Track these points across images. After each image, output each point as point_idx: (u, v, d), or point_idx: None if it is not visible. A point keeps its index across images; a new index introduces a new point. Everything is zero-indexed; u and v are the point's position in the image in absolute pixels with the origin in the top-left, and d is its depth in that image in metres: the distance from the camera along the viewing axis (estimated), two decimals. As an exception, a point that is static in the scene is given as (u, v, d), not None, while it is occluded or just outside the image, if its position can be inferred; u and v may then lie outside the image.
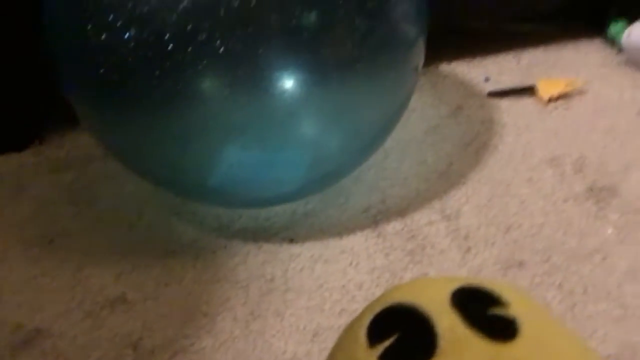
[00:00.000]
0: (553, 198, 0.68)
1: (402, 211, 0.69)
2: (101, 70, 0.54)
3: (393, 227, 0.67)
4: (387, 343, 0.35)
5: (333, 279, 0.62)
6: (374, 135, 0.67)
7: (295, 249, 0.66)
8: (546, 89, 0.84)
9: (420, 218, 0.68)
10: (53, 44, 0.58)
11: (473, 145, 0.78)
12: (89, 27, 0.53)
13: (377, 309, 0.38)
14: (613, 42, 0.91)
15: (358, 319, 0.39)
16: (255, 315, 0.60)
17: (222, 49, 0.51)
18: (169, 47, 0.51)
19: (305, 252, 0.66)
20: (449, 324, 0.35)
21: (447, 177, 0.73)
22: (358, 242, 0.66)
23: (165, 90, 0.53)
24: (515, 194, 0.69)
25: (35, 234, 0.73)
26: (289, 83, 0.54)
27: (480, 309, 0.36)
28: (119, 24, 0.51)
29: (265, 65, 0.52)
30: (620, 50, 0.89)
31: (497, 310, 0.36)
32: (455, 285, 0.37)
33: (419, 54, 0.65)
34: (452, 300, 0.36)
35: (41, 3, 0.59)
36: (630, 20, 0.88)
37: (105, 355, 0.57)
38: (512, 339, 0.34)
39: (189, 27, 0.50)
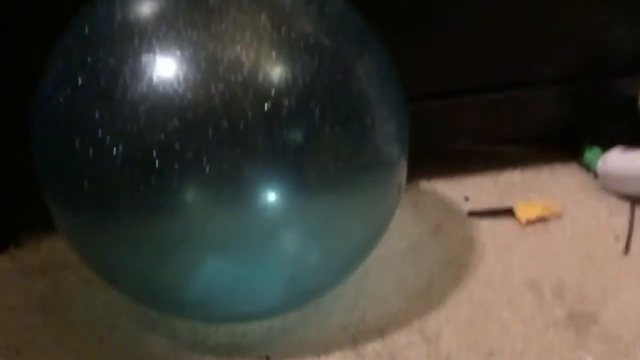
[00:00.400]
0: (533, 323, 0.68)
1: (381, 330, 0.68)
2: (85, 183, 0.54)
3: (372, 347, 0.66)
4: None
5: (309, 404, 0.60)
6: (355, 254, 0.67)
7: (271, 368, 0.65)
8: (524, 212, 0.85)
9: (400, 338, 0.67)
10: (39, 154, 0.59)
11: (453, 265, 0.78)
12: (77, 141, 0.54)
13: None
14: (588, 168, 0.94)
15: None
16: None
17: (208, 168, 0.51)
18: (156, 164, 0.52)
19: (282, 372, 0.64)
20: None
21: (427, 296, 0.73)
22: (336, 363, 0.65)
23: (149, 204, 0.53)
24: (495, 318, 0.69)
25: (2, 344, 0.70)
26: (271, 202, 0.54)
27: None
28: (107, 140, 0.52)
29: (249, 184, 0.53)
30: (595, 175, 0.92)
31: None
32: None
33: (402, 173, 0.67)
34: None
35: (29, 113, 0.60)
36: (604, 148, 0.92)
37: None
38: None
39: (176, 146, 0.51)
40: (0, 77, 0.78)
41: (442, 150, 1.00)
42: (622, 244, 0.79)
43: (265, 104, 0.52)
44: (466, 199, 0.92)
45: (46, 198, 0.61)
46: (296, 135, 0.53)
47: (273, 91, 0.52)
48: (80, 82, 0.54)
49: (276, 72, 0.53)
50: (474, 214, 0.88)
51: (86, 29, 0.56)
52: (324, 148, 0.55)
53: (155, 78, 0.52)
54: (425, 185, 0.96)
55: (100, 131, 0.52)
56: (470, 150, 1.02)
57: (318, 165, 0.55)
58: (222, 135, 0.51)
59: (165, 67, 0.52)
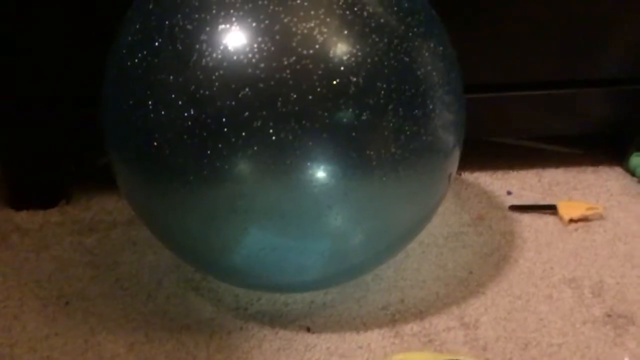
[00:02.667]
0: (572, 319, 0.69)
1: (420, 313, 0.70)
2: (155, 143, 0.56)
3: (411, 328, 0.68)
4: None
5: (348, 375, 0.62)
6: (400, 238, 0.68)
7: (312, 339, 0.66)
8: (567, 210, 0.86)
9: (439, 323, 0.68)
10: (110, 112, 0.61)
11: (493, 256, 0.79)
12: (150, 102, 0.55)
13: None
14: (633, 173, 0.94)
15: None
16: (267, 403, 0.59)
17: (274, 137, 0.53)
18: (224, 130, 0.53)
19: (322, 343, 0.66)
20: None
21: (467, 284, 0.74)
22: (375, 339, 0.66)
23: (213, 169, 0.55)
24: (534, 310, 0.70)
25: (52, 294, 0.73)
26: (330, 177, 0.56)
27: None
28: (179, 102, 0.54)
29: (312, 157, 0.54)
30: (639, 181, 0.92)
31: None
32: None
33: (454, 163, 0.67)
34: None
35: (104, 71, 0.62)
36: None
37: None
38: None
39: (246, 114, 0.53)
40: (74, 34, 0.80)
41: (487, 144, 1.00)
42: (664, 250, 0.79)
43: (334, 80, 0.53)
44: (508, 193, 0.92)
45: (112, 156, 0.63)
46: (361, 112, 0.54)
47: (342, 68, 0.53)
48: (157, 44, 0.55)
49: (347, 49, 0.54)
50: (516, 208, 0.88)
51: (165, -5, 0.57)
52: (387, 127, 0.56)
53: (230, 46, 0.53)
54: (469, 176, 0.96)
55: (173, 94, 0.54)
56: (515, 146, 1.02)
57: (379, 144, 0.56)
58: (290, 106, 0.53)
59: (240, 37, 0.53)
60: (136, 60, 0.57)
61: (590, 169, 0.97)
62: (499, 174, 0.97)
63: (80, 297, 0.72)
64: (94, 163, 0.96)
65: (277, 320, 0.69)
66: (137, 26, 0.58)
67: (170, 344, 0.66)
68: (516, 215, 0.87)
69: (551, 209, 0.87)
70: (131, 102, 0.57)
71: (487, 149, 1.00)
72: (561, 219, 0.85)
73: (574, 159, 0.99)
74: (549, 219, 0.86)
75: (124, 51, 0.58)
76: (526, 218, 0.86)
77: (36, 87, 0.84)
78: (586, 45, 0.89)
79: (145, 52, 0.56)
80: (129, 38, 0.59)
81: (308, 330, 0.67)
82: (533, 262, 0.78)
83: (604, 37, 0.89)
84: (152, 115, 0.55)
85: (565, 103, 0.94)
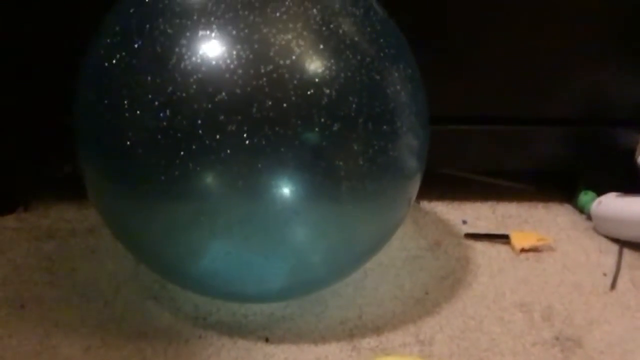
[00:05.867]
0: (522, 340, 0.71)
1: (377, 329, 0.71)
2: (128, 142, 0.57)
3: (368, 342, 0.69)
4: None
5: (305, 385, 0.62)
6: (361, 254, 0.70)
7: (270, 349, 0.67)
8: (519, 240, 0.89)
9: (395, 338, 0.70)
10: (83, 112, 0.62)
11: (449, 279, 0.81)
12: (126, 102, 0.56)
13: None
14: (582, 210, 0.98)
15: None
16: (224, 409, 0.59)
17: (247, 142, 0.55)
18: (199, 132, 0.54)
19: (280, 353, 0.66)
20: None
21: (423, 304, 0.76)
22: (333, 352, 0.67)
23: (185, 170, 0.56)
24: (486, 331, 0.72)
25: (7, 296, 0.72)
26: (298, 184, 0.57)
27: None
28: (156, 103, 0.55)
29: (283, 163, 0.56)
30: (589, 218, 0.96)
31: None
32: None
33: (415, 188, 0.70)
34: None
35: (79, 73, 0.63)
36: (599, 193, 0.96)
37: None
38: None
39: (221, 117, 0.54)
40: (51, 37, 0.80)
41: (444, 176, 1.04)
42: (609, 280, 0.82)
43: (309, 90, 0.55)
44: (464, 222, 0.95)
45: (82, 156, 0.63)
46: (333, 123, 0.56)
47: (317, 79, 0.56)
48: (136, 46, 0.57)
49: (322, 62, 0.56)
50: (471, 236, 0.91)
51: None
52: (357, 140, 0.58)
53: (209, 52, 0.55)
54: (427, 205, 0.99)
55: (150, 95, 0.55)
56: (472, 180, 1.06)
57: (348, 156, 0.58)
58: (265, 112, 0.54)
59: (220, 43, 0.55)
60: (114, 61, 0.58)
61: (541, 204, 1.02)
62: (455, 204, 1.00)
63: (37, 301, 0.71)
64: (54, 172, 0.95)
65: (236, 330, 0.69)
66: (117, 28, 0.59)
67: (127, 349, 0.65)
68: (471, 242, 0.90)
69: (504, 238, 0.90)
70: (106, 101, 0.58)
71: (444, 181, 1.03)
72: (513, 248, 0.89)
73: (526, 194, 1.03)
74: (501, 247, 0.89)
75: (102, 52, 0.59)
76: (480, 246, 0.89)
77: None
78: (543, 85, 0.94)
79: (124, 53, 0.57)
80: (108, 40, 0.60)
81: (266, 340, 0.68)
82: (486, 286, 0.80)
83: (560, 79, 0.94)
84: (127, 114, 0.56)
85: (519, 139, 0.99)
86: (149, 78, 0.55)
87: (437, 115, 0.92)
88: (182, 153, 0.55)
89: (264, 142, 0.55)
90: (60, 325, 0.68)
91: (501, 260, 0.86)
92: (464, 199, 1.01)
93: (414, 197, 0.71)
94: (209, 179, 0.56)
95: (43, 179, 0.94)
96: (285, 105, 0.55)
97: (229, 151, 0.55)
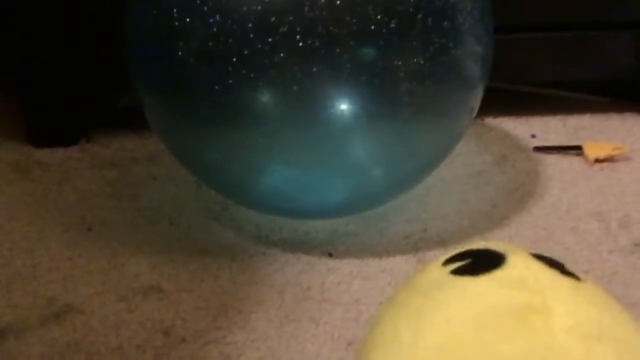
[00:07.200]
0: (598, 249, 0.68)
1: (443, 242, 0.69)
2: (179, 53, 0.55)
3: (434, 254, 0.67)
4: (460, 263, 0.38)
5: (371, 295, 0.61)
6: (420, 166, 0.68)
7: (334, 263, 0.66)
8: (593, 150, 0.84)
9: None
10: (134, 29, 0.60)
11: (517, 193, 0.78)
12: (175, 10, 0.55)
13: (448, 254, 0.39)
14: (660, 118, 0.92)
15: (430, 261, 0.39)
16: (290, 319, 0.59)
17: (300, 44, 0.52)
18: (250, 36, 0.52)
19: (344, 267, 0.65)
20: (522, 258, 0.35)
21: (490, 217, 0.73)
22: (398, 264, 0.66)
23: (239, 78, 0.54)
24: (559, 241, 0.69)
25: (75, 221, 0.73)
26: (356, 87, 0.55)
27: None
28: (204, 9, 0.53)
29: (338, 65, 0.53)
30: (667, 125, 0.90)
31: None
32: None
33: (477, 98, 0.66)
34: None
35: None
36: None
37: (135, 336, 0.57)
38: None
39: (272, 19, 0.52)
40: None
41: (508, 92, 0.99)
42: (692, 188, 0.77)
43: (363, -15, 0.52)
44: (533, 136, 0.91)
45: (137, 81, 0.62)
46: (390, 20, 0.53)
47: (371, -26, 0.52)
48: (182, -48, 0.55)
49: (376, -45, 0.53)
50: (540, 149, 0.87)
51: None
52: (415, 37, 0.55)
53: (257, -48, 0.52)
54: (491, 121, 0.95)
55: (199, 0, 0.53)
56: (538, 94, 1.00)
57: (407, 54, 0.55)
58: (317, 12, 0.52)
59: (268, -58, 0.52)
60: (161, -29, 0.56)
61: (615, 115, 0.96)
62: (522, 119, 0.95)
63: (103, 224, 0.72)
64: (115, 105, 0.96)
65: (299, 246, 0.68)
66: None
67: (193, 265, 0.66)
68: (541, 156, 0.86)
69: (576, 149, 0.86)
70: (155, 12, 0.57)
71: (509, 96, 0.98)
72: (586, 158, 0.84)
73: (599, 106, 0.97)
74: (574, 159, 0.85)
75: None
76: (551, 158, 0.85)
77: (56, 24, 0.83)
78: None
79: (170, -39, 0.55)
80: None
81: (330, 255, 0.67)
82: (558, 198, 0.77)
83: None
84: (176, 23, 0.55)
85: (591, 46, 0.93)
86: (197, -16, 0.53)
87: (501, 23, 0.88)
88: (234, 59, 0.53)
89: (317, 44, 0.52)
90: (126, 245, 0.69)
91: (574, 172, 0.82)
92: (532, 113, 0.96)
93: (476, 109, 0.67)
94: (263, 85, 0.54)
95: (104, 111, 0.95)
96: (338, 2, 0.52)
97: (282, 54, 0.53)
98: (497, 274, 0.36)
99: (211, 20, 0.53)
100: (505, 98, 0.97)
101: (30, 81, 0.87)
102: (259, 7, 0.52)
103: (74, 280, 0.63)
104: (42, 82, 0.87)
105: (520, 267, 0.36)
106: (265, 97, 0.56)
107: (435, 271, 0.39)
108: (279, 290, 0.62)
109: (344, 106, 0.55)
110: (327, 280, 0.64)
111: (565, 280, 0.36)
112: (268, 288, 0.62)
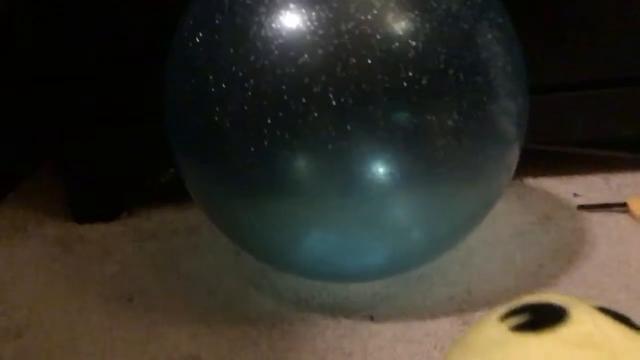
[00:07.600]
0: (653, 306, 0.64)
1: (489, 303, 0.67)
2: (215, 118, 0.56)
3: (480, 316, 0.64)
4: (518, 318, 0.35)
5: (416, 359, 0.59)
6: (459, 226, 0.66)
7: (376, 327, 0.64)
8: (639, 207, 0.82)
9: (510, 311, 0.65)
10: (172, 99, 0.62)
11: (564, 251, 0.75)
12: (211, 77, 0.56)
13: (507, 307, 0.36)
14: None
15: (488, 314, 0.37)
16: (333, 386, 0.57)
17: (334, 102, 0.53)
18: (284, 97, 0.53)
19: (386, 331, 0.63)
20: (587, 312, 0.33)
21: (537, 277, 0.71)
22: (443, 327, 0.63)
23: (274, 139, 0.54)
24: (612, 299, 0.66)
25: (116, 292, 0.73)
26: (390, 144, 0.55)
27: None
28: (239, 74, 0.55)
29: (372, 122, 0.54)
30: None
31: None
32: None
33: (514, 156, 0.65)
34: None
35: (166, 63, 0.63)
36: None
37: (174, 406, 0.55)
38: None
39: (305, 80, 0.53)
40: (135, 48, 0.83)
41: (547, 153, 0.98)
42: None
43: (393, 44, 0.53)
44: (575, 195, 0.89)
45: (176, 149, 0.63)
46: (421, 77, 0.53)
47: (401, 32, 0.53)
48: (217, 22, 0.57)
49: (405, 14, 0.54)
50: (584, 207, 0.85)
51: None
52: (448, 92, 0.55)
53: (288, 15, 0.54)
54: (531, 181, 0.94)
55: (233, 67, 0.55)
56: (578, 154, 0.99)
57: (440, 109, 0.55)
58: (350, 71, 0.53)
59: (298, 6, 0.54)
60: (197, 40, 0.58)
61: (659, 171, 0.93)
62: (564, 178, 0.94)
63: (143, 294, 0.72)
64: (156, 180, 0.97)
65: (339, 311, 0.67)
66: (198, 9, 0.60)
67: (233, 333, 0.64)
68: (585, 214, 0.83)
69: (621, 206, 0.83)
70: (193, 80, 0.58)
71: (548, 156, 0.97)
72: (632, 215, 0.81)
73: (640, 162, 0.95)
74: (619, 216, 0.82)
75: (185, 34, 0.60)
76: (595, 216, 0.83)
77: (100, 103, 0.86)
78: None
79: (206, 31, 0.58)
80: (190, 22, 0.60)
81: (371, 319, 0.65)
82: (607, 256, 0.74)
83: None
84: (212, 89, 0.56)
85: (628, 103, 0.92)
86: (232, 50, 0.55)
87: (537, 83, 0.88)
88: (269, 121, 0.54)
89: (350, 102, 0.53)
90: (166, 314, 0.68)
91: (621, 229, 0.79)
92: (572, 173, 0.95)
93: (513, 167, 0.66)
94: (298, 145, 0.54)
95: (145, 188, 0.97)
96: (369, 61, 0.53)
97: (316, 114, 0.53)
98: (562, 331, 0.34)
99: (246, 84, 0.54)
100: (545, 158, 0.96)
101: (73, 159, 0.89)
102: (293, 70, 0.53)
103: (114, 351, 0.63)
104: (84, 160, 0.89)
105: (586, 322, 0.34)
106: (301, 159, 0.56)
107: (492, 328, 0.37)
108: (320, 355, 0.60)
109: (379, 164, 0.55)
110: (369, 345, 0.62)
111: (634, 336, 0.34)
112: (309, 354, 0.61)
